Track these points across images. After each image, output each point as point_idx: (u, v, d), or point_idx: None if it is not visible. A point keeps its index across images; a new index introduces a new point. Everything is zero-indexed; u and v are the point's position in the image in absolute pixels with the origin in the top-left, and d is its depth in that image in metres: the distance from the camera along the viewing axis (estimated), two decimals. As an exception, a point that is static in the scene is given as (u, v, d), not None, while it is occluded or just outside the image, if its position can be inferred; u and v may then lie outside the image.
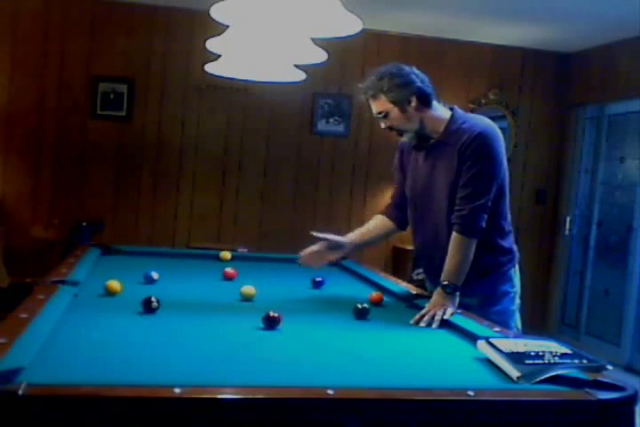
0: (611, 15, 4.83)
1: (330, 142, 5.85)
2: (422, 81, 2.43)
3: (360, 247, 2.78)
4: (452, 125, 2.44)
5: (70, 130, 5.41)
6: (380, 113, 2.45)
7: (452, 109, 2.50)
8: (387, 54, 5.85)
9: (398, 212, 2.71)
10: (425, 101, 2.42)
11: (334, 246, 2.69)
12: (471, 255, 2.35)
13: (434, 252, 2.53)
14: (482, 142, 2.37)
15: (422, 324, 2.20)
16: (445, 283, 2.33)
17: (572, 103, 6.11)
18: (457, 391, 1.46)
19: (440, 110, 2.47)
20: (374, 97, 2.43)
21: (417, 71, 2.45)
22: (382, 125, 2.50)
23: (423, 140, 2.52)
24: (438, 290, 2.34)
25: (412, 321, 2.22)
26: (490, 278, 2.48)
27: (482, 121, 2.46)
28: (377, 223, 2.76)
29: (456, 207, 2.38)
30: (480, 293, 2.49)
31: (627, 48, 5.47)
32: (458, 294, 2.33)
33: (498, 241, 2.50)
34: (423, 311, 2.26)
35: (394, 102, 2.40)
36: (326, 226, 5.78)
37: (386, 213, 2.77)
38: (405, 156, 2.66)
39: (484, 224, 2.36)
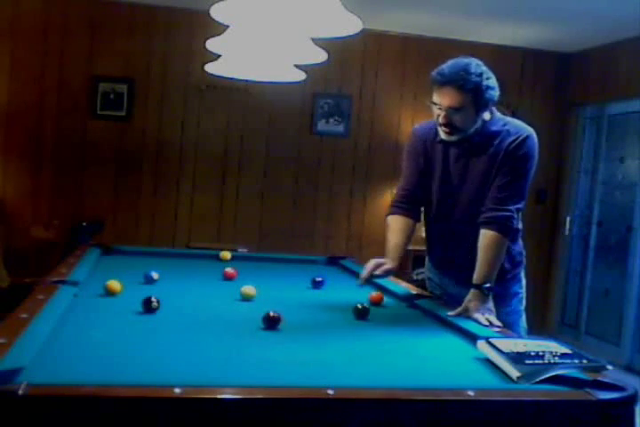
0: (611, 15, 4.83)
1: (330, 142, 5.85)
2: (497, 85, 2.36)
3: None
4: (493, 126, 2.40)
5: (70, 130, 5.41)
6: (453, 107, 2.28)
7: (490, 109, 2.43)
8: (387, 54, 5.87)
9: (414, 202, 2.57)
10: (491, 106, 2.38)
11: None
12: (504, 256, 2.35)
13: (455, 249, 2.52)
14: (529, 147, 2.37)
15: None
16: (488, 285, 2.28)
17: (572, 103, 6.11)
18: (457, 391, 1.46)
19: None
20: (462, 91, 2.26)
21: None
22: (442, 120, 2.33)
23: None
24: (475, 292, 2.27)
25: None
26: (503, 279, 2.45)
27: (524, 124, 2.45)
28: (400, 229, 2.54)
29: (494, 206, 2.32)
30: (493, 293, 2.47)
31: (627, 48, 5.47)
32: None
33: (515, 243, 2.50)
34: (482, 322, 2.17)
35: (478, 103, 2.29)
36: (326, 226, 5.84)
37: (398, 209, 2.58)
38: (429, 147, 2.51)
39: (516, 226, 2.38)
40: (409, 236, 2.55)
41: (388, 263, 2.45)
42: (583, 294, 5.96)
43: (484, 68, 2.32)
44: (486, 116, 2.41)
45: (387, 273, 2.46)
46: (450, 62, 2.32)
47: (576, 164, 6.12)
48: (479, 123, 2.36)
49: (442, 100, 2.31)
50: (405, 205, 2.57)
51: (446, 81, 2.28)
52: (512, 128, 2.40)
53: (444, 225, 2.55)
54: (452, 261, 2.58)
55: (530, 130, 2.42)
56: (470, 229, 2.40)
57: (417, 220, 2.59)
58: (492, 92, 2.31)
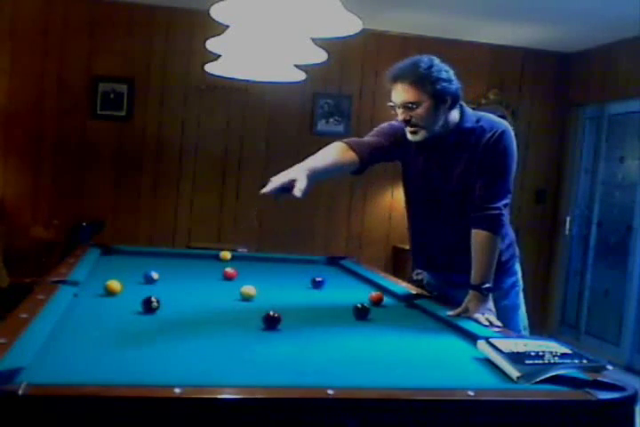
0: (611, 15, 4.83)
1: (330, 142, 5.82)
2: (458, 81, 2.34)
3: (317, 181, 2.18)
4: (466, 124, 2.37)
5: (70, 130, 5.41)
6: (409, 103, 2.27)
7: (460, 106, 2.42)
8: (387, 54, 5.86)
9: (368, 151, 2.38)
10: (455, 104, 2.34)
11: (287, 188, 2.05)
12: (497, 254, 2.34)
13: (440, 248, 2.50)
14: (507, 141, 2.34)
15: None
16: (487, 286, 2.26)
17: (572, 103, 6.11)
18: (457, 391, 1.46)
19: (455, 110, 2.39)
20: (413, 84, 2.25)
21: (453, 70, 2.35)
22: (400, 117, 2.32)
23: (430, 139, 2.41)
24: (474, 293, 2.26)
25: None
26: (496, 273, 2.40)
27: (497, 118, 2.44)
28: (339, 155, 2.36)
29: (482, 206, 2.31)
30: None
31: (627, 48, 5.47)
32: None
33: (505, 236, 2.47)
34: (482, 322, 2.17)
35: (433, 96, 2.26)
36: (326, 226, 5.84)
37: (353, 143, 2.41)
38: (406, 142, 2.43)
39: (506, 222, 2.37)
40: (338, 169, 2.38)
41: (300, 177, 2.04)
42: (583, 294, 5.96)
43: (437, 62, 2.30)
44: (455, 114, 2.37)
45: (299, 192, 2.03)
46: (403, 61, 2.33)
47: (576, 164, 6.12)
48: (446, 120, 2.33)
49: (396, 97, 2.30)
50: (361, 147, 2.39)
51: (397, 77, 2.28)
52: (486, 124, 2.37)
53: (428, 227, 2.54)
54: (442, 261, 2.55)
55: (504, 124, 2.40)
56: (455, 229, 2.40)
57: (364, 166, 2.40)
58: (445, 84, 2.27)
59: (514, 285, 2.55)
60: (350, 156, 2.37)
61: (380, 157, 2.46)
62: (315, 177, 2.14)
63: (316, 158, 2.29)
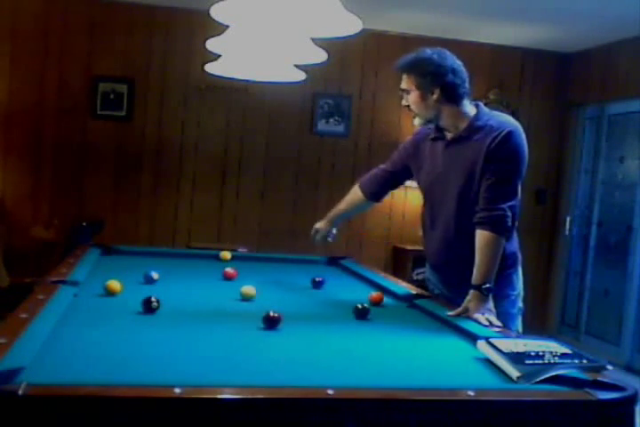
0: (611, 15, 4.83)
1: (330, 142, 5.85)
2: (457, 77, 2.40)
3: (339, 223, 3.05)
4: (477, 121, 2.40)
5: (70, 130, 5.40)
6: (402, 89, 2.49)
7: (476, 106, 2.47)
8: (387, 54, 5.86)
9: (376, 185, 2.84)
10: (450, 97, 2.40)
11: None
12: (500, 255, 2.33)
13: (449, 249, 2.51)
14: (514, 142, 2.35)
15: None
16: (487, 286, 2.26)
17: (572, 103, 6.11)
18: (457, 391, 1.46)
19: (467, 107, 2.44)
20: (405, 73, 2.46)
21: (457, 66, 2.42)
22: (403, 102, 2.52)
23: (442, 133, 2.50)
24: (475, 293, 2.26)
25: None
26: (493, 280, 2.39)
27: (509, 119, 2.45)
28: (352, 200, 2.94)
29: (487, 206, 2.31)
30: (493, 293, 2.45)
31: (627, 48, 5.47)
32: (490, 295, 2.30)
33: (509, 243, 2.45)
34: (482, 322, 2.17)
35: (418, 87, 2.42)
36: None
37: (362, 183, 2.90)
38: (421, 145, 2.62)
39: (511, 224, 2.35)
40: (355, 209, 3.02)
41: (323, 227, 3.01)
42: (583, 294, 5.96)
43: (436, 56, 2.42)
44: (471, 110, 2.44)
45: (324, 238, 3.03)
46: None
47: (576, 164, 6.12)
48: (434, 109, 2.43)
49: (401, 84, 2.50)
50: (372, 182, 2.86)
51: (397, 66, 2.49)
52: (495, 123, 2.39)
53: (436, 224, 2.55)
54: (447, 261, 2.57)
55: (513, 124, 2.40)
56: (462, 228, 2.40)
57: (375, 199, 2.91)
58: (426, 78, 2.40)
59: (508, 293, 2.51)
60: (360, 197, 2.91)
61: (390, 186, 2.88)
62: (338, 221, 3.03)
63: (338, 206, 2.99)
